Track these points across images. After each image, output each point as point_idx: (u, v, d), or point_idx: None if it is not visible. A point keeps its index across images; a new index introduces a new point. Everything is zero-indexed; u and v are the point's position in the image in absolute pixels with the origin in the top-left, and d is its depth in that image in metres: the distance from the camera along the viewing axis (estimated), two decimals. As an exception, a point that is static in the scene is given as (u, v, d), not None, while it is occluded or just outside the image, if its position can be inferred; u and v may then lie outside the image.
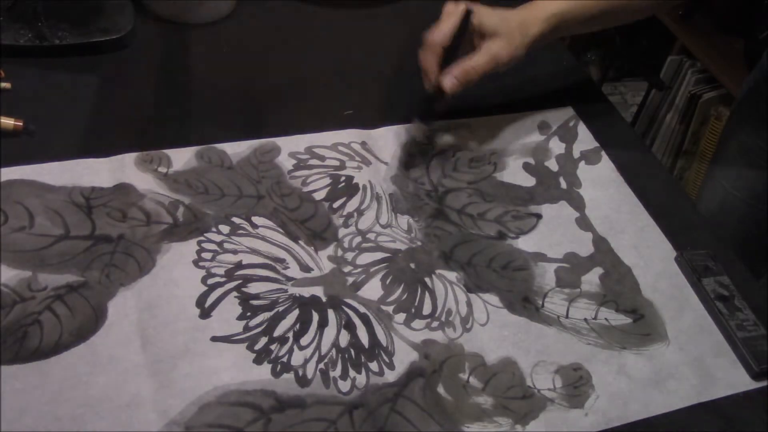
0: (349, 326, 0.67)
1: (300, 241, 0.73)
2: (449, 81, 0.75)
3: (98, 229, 0.70)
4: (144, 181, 0.75)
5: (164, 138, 0.79)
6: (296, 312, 0.67)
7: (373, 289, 0.71)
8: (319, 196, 0.78)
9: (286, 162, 0.80)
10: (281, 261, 0.71)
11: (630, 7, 0.81)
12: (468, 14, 0.75)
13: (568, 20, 0.78)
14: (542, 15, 0.77)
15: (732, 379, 0.70)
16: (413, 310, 0.70)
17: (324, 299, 0.69)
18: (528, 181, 0.85)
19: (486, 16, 0.74)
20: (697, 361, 0.71)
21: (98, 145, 0.77)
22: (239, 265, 0.70)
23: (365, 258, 0.73)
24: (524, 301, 0.73)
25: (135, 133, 0.80)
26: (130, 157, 0.77)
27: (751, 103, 1.03)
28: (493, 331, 0.70)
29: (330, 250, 0.73)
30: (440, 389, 0.64)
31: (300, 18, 1.01)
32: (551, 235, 0.80)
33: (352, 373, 0.64)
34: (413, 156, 0.85)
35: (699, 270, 0.78)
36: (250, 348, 0.64)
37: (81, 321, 0.63)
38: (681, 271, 0.79)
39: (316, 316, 0.67)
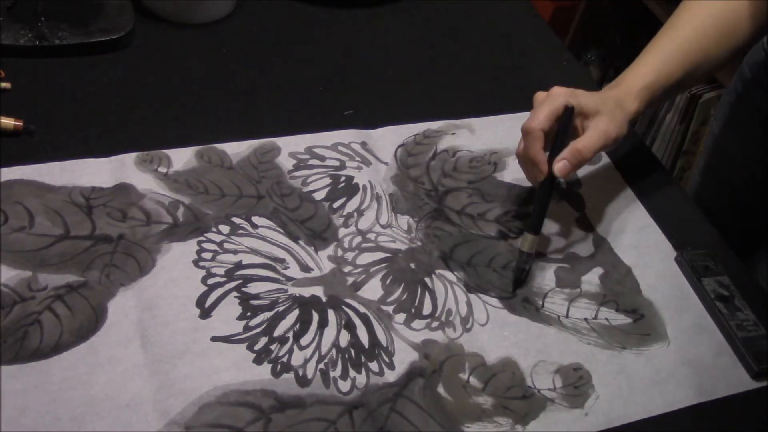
0: (349, 326, 0.67)
1: (300, 241, 0.73)
2: (561, 164, 0.71)
3: (98, 229, 0.70)
4: (144, 181, 0.75)
5: (164, 138, 0.79)
6: (296, 312, 0.67)
7: (373, 289, 0.71)
8: (319, 196, 0.78)
9: (286, 162, 0.80)
10: (281, 261, 0.71)
11: (705, 66, 0.82)
12: (571, 111, 0.72)
13: (656, 90, 0.79)
14: (634, 91, 0.77)
15: (732, 379, 0.70)
16: (413, 310, 0.70)
17: (324, 299, 0.69)
18: (528, 181, 0.85)
19: (584, 98, 0.73)
20: (697, 361, 0.71)
21: (98, 145, 0.77)
22: (239, 265, 0.70)
23: (365, 258, 0.73)
24: (524, 301, 0.73)
25: (135, 133, 0.80)
26: (130, 157, 0.77)
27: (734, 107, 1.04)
28: (493, 331, 0.70)
29: (330, 250, 0.73)
30: (440, 389, 0.64)
31: (300, 18, 1.01)
32: (551, 235, 0.80)
33: (352, 373, 0.64)
34: (413, 156, 0.85)
35: (699, 270, 0.78)
36: (250, 348, 0.64)
37: (81, 321, 0.63)
38: (681, 271, 0.79)
39: (316, 316, 0.67)
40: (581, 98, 0.73)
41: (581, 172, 0.87)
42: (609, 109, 0.74)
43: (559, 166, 0.71)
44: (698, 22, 0.81)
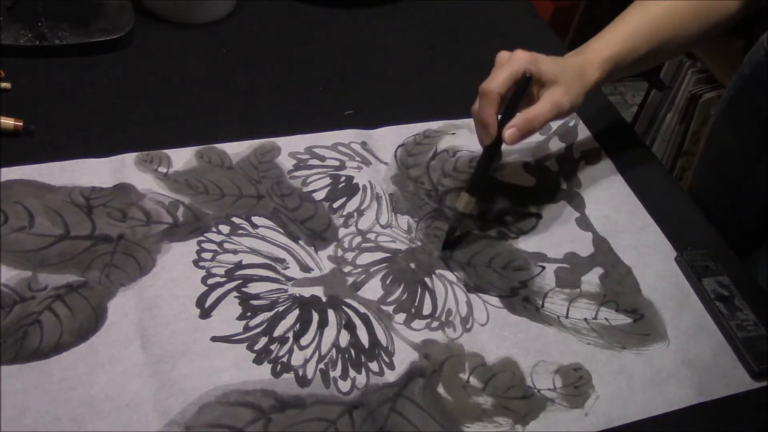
0: (349, 326, 0.67)
1: (300, 241, 0.73)
2: (510, 131, 0.71)
3: (98, 229, 0.70)
4: (144, 181, 0.75)
5: (164, 138, 0.79)
6: (296, 312, 0.67)
7: (373, 289, 0.71)
8: (319, 196, 0.78)
9: (286, 162, 0.80)
10: (281, 261, 0.71)
11: (673, 44, 0.81)
12: (528, 79, 0.72)
13: (619, 63, 0.78)
14: (597, 61, 0.77)
15: (732, 379, 0.70)
16: (413, 310, 0.70)
17: (324, 299, 0.69)
18: (528, 181, 0.85)
19: (545, 64, 0.73)
20: (697, 361, 0.71)
21: (98, 145, 0.77)
22: (239, 265, 0.70)
23: (365, 258, 0.73)
24: (524, 301, 0.73)
25: (135, 133, 0.80)
26: (130, 157, 0.77)
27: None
28: (493, 331, 0.70)
29: (330, 250, 0.73)
30: (440, 389, 0.64)
31: (300, 18, 1.01)
32: (551, 235, 0.80)
33: (352, 373, 0.64)
34: (413, 156, 0.85)
35: (699, 270, 0.78)
36: (250, 348, 0.64)
37: (81, 321, 0.63)
38: (681, 271, 0.79)
39: (316, 316, 0.67)
40: (542, 65, 0.72)
41: (581, 172, 0.87)
42: (568, 78, 0.74)
43: (509, 133, 0.71)
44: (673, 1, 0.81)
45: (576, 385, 0.67)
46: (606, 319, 0.73)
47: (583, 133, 0.93)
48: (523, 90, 0.72)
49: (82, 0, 0.90)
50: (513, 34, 1.08)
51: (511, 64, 0.71)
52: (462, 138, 0.88)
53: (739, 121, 1.02)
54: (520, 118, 0.71)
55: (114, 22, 0.89)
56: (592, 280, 0.76)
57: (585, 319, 0.72)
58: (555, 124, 0.92)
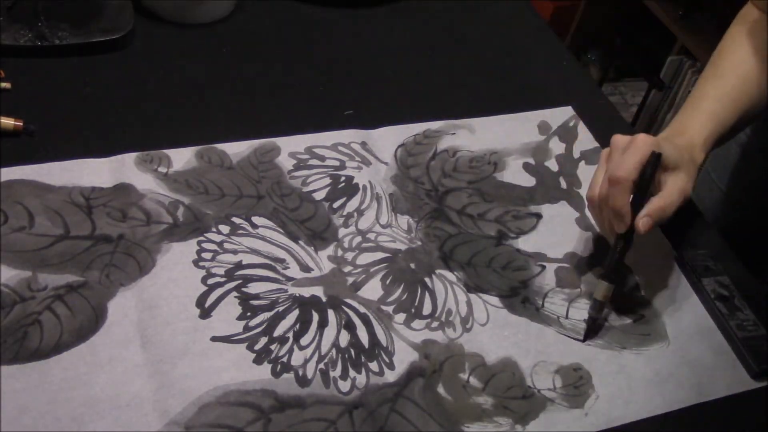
0: (349, 326, 0.67)
1: (300, 241, 0.73)
2: (644, 221, 0.70)
3: (98, 229, 0.70)
4: (144, 181, 0.75)
5: (164, 138, 0.79)
6: (296, 312, 0.67)
7: (373, 289, 0.71)
8: (319, 196, 0.78)
9: (286, 162, 0.80)
10: (281, 261, 0.71)
11: (754, 108, 0.82)
12: (658, 156, 0.71)
13: (716, 140, 0.79)
14: (700, 141, 0.77)
15: (732, 379, 0.70)
16: (413, 310, 0.70)
17: (324, 299, 0.69)
18: (528, 181, 0.85)
19: (666, 149, 0.72)
20: (696, 361, 0.71)
21: (98, 145, 0.77)
22: (239, 265, 0.70)
23: (365, 258, 0.73)
24: (524, 301, 0.73)
25: (135, 132, 0.80)
26: (130, 157, 0.77)
27: None
28: (493, 331, 0.70)
29: (330, 250, 0.73)
30: (440, 389, 0.64)
31: (300, 18, 1.01)
32: (551, 235, 0.80)
33: (352, 373, 0.64)
34: (413, 156, 0.85)
35: (699, 270, 0.78)
36: (250, 348, 0.64)
37: (81, 321, 0.63)
38: (681, 271, 0.79)
39: (316, 316, 0.67)
40: (664, 149, 0.72)
41: (581, 172, 0.87)
42: (685, 162, 0.73)
43: (643, 222, 0.70)
44: (741, 69, 0.82)
45: (576, 385, 0.67)
46: (606, 319, 0.73)
47: (583, 133, 0.93)
48: (653, 172, 0.71)
49: (82, 0, 0.90)
50: (513, 34, 1.08)
51: (636, 148, 0.70)
52: (462, 138, 0.88)
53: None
54: (654, 207, 0.71)
55: (114, 22, 0.89)
56: (592, 280, 0.76)
57: (585, 320, 0.72)
58: (555, 124, 0.92)
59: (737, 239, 0.87)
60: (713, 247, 0.82)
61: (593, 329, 0.72)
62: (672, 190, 0.72)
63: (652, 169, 0.71)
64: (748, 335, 0.73)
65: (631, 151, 0.70)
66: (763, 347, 0.72)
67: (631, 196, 0.71)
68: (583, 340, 0.71)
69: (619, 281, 0.75)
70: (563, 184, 0.86)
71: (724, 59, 0.84)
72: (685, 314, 0.75)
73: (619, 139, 0.73)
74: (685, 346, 0.72)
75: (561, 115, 0.94)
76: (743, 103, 0.81)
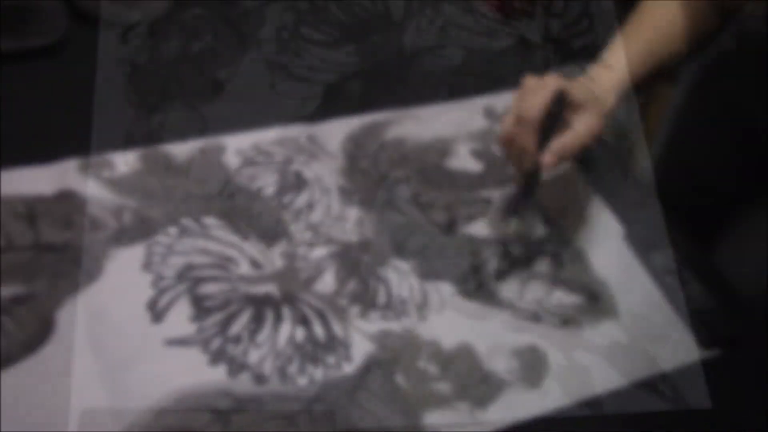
0: (304, 321, 0.67)
1: (251, 239, 0.73)
2: (550, 158, 0.71)
3: (42, 239, 0.68)
4: (87, 187, 0.73)
5: (107, 142, 0.78)
6: (250, 310, 0.67)
7: (326, 283, 0.70)
8: (268, 192, 0.77)
9: (232, 160, 0.80)
10: (232, 260, 0.70)
11: (669, 62, 0.84)
12: (561, 94, 0.72)
13: (626, 88, 0.80)
14: (610, 87, 0.78)
15: (683, 350, 0.72)
16: (368, 302, 0.70)
17: (278, 296, 0.69)
18: (476, 166, 0.86)
19: (574, 89, 0.73)
20: (649, 334, 0.72)
21: (38, 153, 0.75)
22: (189, 267, 0.69)
23: (317, 252, 0.73)
24: (478, 287, 0.73)
25: (76, 138, 0.78)
26: (72, 164, 0.75)
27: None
28: (448, 318, 0.70)
29: (281, 246, 0.73)
30: (398, 378, 0.64)
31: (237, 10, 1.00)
32: (502, 220, 0.80)
33: (309, 368, 0.64)
34: (361, 147, 0.84)
35: (647, 246, 0.79)
36: (204, 349, 0.63)
37: (29, 333, 0.62)
38: (630, 248, 0.80)
39: (270, 314, 0.67)
40: (571, 89, 0.73)
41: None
42: (593, 102, 0.75)
43: (547, 159, 0.71)
44: (662, 24, 0.83)
45: (532, 365, 0.68)
46: (559, 299, 0.74)
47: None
48: (559, 113, 0.72)
49: (14, 6, 0.88)
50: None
51: (544, 88, 0.72)
52: (408, 126, 0.88)
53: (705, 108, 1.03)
54: (558, 144, 0.72)
55: (47, 25, 0.87)
56: (543, 261, 0.77)
57: (538, 301, 0.73)
58: (501, 108, 0.93)
59: (682, 212, 0.89)
60: (660, 223, 0.83)
61: (514, 265, 0.75)
62: (577, 128, 0.73)
63: (557, 108, 0.72)
64: (697, 308, 0.74)
65: (538, 91, 0.72)
66: (711, 319, 0.74)
67: (539, 135, 0.72)
68: (497, 279, 0.74)
69: (524, 216, 0.77)
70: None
71: (645, 11, 0.85)
72: (635, 289, 0.76)
73: (530, 81, 0.74)
74: (636, 321, 0.73)
75: (507, 98, 0.95)
76: (659, 57, 0.82)
